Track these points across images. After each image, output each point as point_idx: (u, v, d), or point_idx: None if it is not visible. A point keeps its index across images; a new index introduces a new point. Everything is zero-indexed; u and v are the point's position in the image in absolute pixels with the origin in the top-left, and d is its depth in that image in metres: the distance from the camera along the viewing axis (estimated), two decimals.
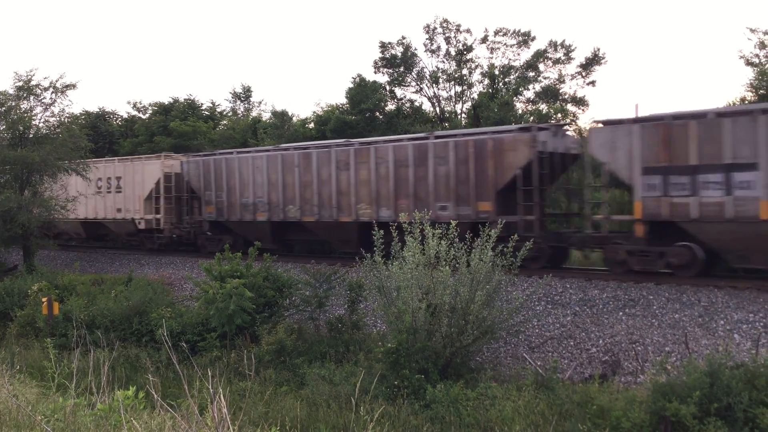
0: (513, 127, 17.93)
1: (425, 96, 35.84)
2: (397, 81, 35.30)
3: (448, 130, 19.88)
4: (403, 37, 35.83)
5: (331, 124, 32.06)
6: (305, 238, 24.08)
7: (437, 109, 35.59)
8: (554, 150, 17.78)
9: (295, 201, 21.94)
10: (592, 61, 33.59)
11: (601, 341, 14.19)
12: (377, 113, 33.60)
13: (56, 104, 24.92)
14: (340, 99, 47.82)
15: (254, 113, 46.44)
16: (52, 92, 24.60)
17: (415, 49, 34.98)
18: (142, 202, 26.68)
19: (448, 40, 34.81)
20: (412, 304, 12.43)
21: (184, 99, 42.11)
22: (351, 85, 34.06)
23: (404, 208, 18.88)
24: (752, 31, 24.82)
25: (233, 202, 23.92)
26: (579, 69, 33.89)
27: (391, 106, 34.78)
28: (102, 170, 28.17)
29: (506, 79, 34.16)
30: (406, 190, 19.43)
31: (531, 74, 34.17)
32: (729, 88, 44.57)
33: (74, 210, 26.73)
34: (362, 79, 33.96)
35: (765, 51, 24.64)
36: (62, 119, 25.58)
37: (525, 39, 34.41)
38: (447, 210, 18.52)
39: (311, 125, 36.20)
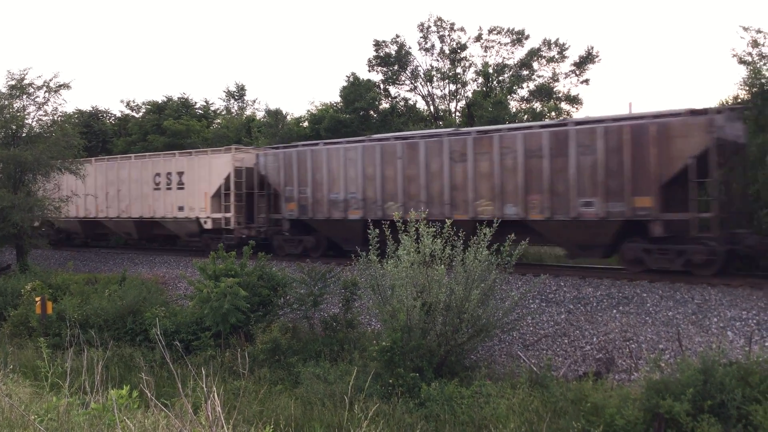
0: (680, 109, 15.85)
1: (419, 94, 35.88)
2: (392, 79, 35.31)
3: (589, 116, 17.62)
4: (397, 36, 35.95)
5: (325, 123, 32.04)
6: None
7: (431, 107, 35.60)
8: (728, 137, 15.82)
9: (396, 197, 19.71)
10: (586, 60, 33.67)
11: (595, 339, 14.23)
12: (371, 112, 33.59)
13: (49, 103, 24.85)
14: (334, 98, 47.83)
15: (248, 112, 46.34)
16: (46, 91, 24.52)
17: (409, 48, 35.01)
18: (208, 199, 24.30)
19: (442, 38, 34.84)
20: (407, 303, 12.43)
21: (178, 98, 42.01)
22: (345, 84, 34.06)
23: (536, 205, 17.25)
24: (745, 29, 24.83)
25: (319, 198, 21.71)
26: (573, 67, 33.97)
27: (385, 105, 34.78)
28: (161, 165, 26.00)
29: (500, 78, 34.18)
30: (539, 184, 17.26)
31: (525, 73, 34.21)
32: (722, 87, 44.75)
33: (127, 209, 26.29)
34: (356, 78, 33.95)
35: (758, 49, 24.67)
36: (55, 118, 25.50)
37: (519, 37, 34.45)
38: (593, 206, 16.53)
39: (305, 124, 36.17)
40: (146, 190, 26.24)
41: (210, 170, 24.48)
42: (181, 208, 25.25)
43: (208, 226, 24.44)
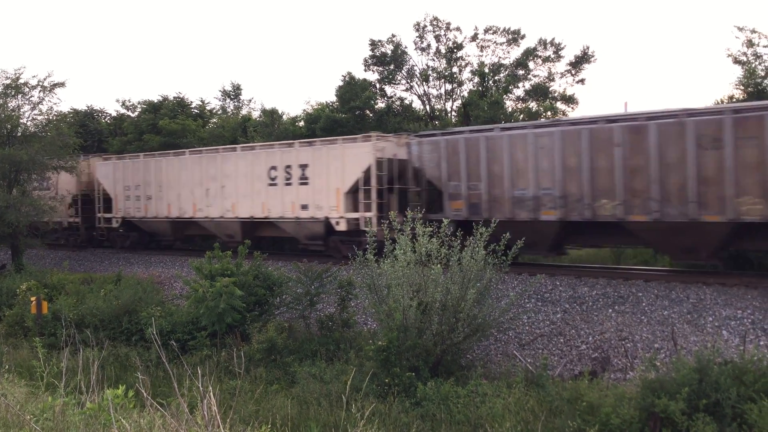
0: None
1: (415, 94, 35.81)
2: (387, 79, 35.24)
3: None
4: (393, 35, 35.79)
5: (321, 123, 31.99)
6: (620, 244, 19.05)
7: (427, 107, 35.57)
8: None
9: (613, 193, 16.26)
10: (582, 60, 33.66)
11: (590, 338, 14.25)
12: (367, 111, 33.55)
13: (44, 102, 24.81)
14: (329, 97, 47.79)
15: (244, 111, 46.24)
16: (40, 91, 24.48)
17: (405, 47, 34.93)
18: (341, 196, 20.61)
19: (438, 38, 34.79)
20: (403, 302, 12.44)
21: (174, 97, 41.88)
22: (341, 83, 34.01)
23: None
24: (740, 29, 24.94)
25: (498, 195, 18.16)
26: (568, 67, 33.96)
27: (381, 104, 34.73)
28: (278, 157, 22.41)
29: (496, 77, 34.18)
30: None
31: (521, 72, 34.21)
32: (717, 86, 44.86)
33: (233, 208, 23.30)
34: (352, 77, 33.90)
35: (752, 49, 24.76)
36: (50, 117, 25.45)
37: (515, 37, 34.43)
38: None
39: (301, 123, 36.11)
40: (258, 186, 22.70)
41: (344, 162, 20.64)
42: (304, 207, 21.57)
43: (341, 227, 20.72)
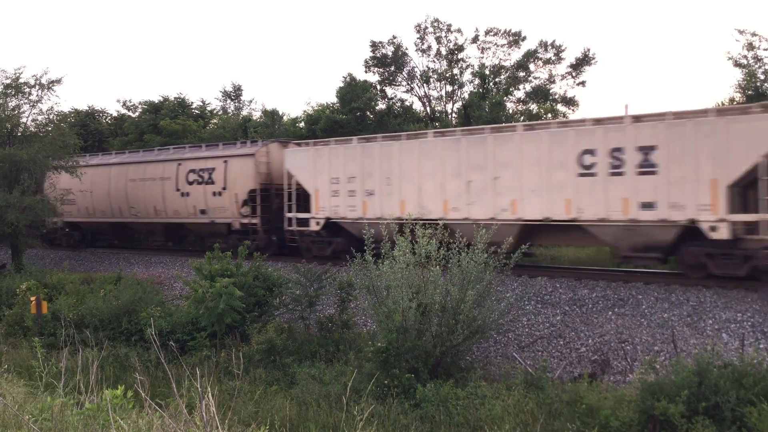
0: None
1: (416, 95, 35.89)
2: (388, 80, 35.31)
3: None
4: (394, 37, 35.90)
5: (321, 124, 32.05)
6: None
7: (428, 108, 35.61)
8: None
9: None
10: (582, 62, 33.71)
11: (590, 340, 14.25)
12: (368, 112, 33.60)
13: (44, 101, 24.84)
14: (330, 98, 47.82)
15: (244, 112, 46.30)
16: (38, 89, 24.49)
17: (406, 49, 35.01)
18: (722, 190, 14.78)
19: (438, 39, 34.85)
20: (403, 304, 12.43)
21: (174, 97, 41.96)
22: (341, 85, 34.06)
23: None
24: (740, 32, 24.97)
25: None
26: (569, 69, 34.01)
27: (381, 106, 34.77)
28: (596, 137, 16.50)
29: (497, 79, 34.22)
30: None
31: (521, 74, 34.25)
32: (717, 89, 44.88)
33: (511, 206, 17.65)
34: (353, 79, 33.96)
35: (753, 52, 24.79)
36: (51, 117, 25.47)
37: (515, 39, 34.49)
38: None
39: (302, 124, 36.15)
40: (561, 176, 16.99)
41: (728, 143, 14.74)
42: (647, 206, 15.78)
43: (721, 234, 14.85)
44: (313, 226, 21.54)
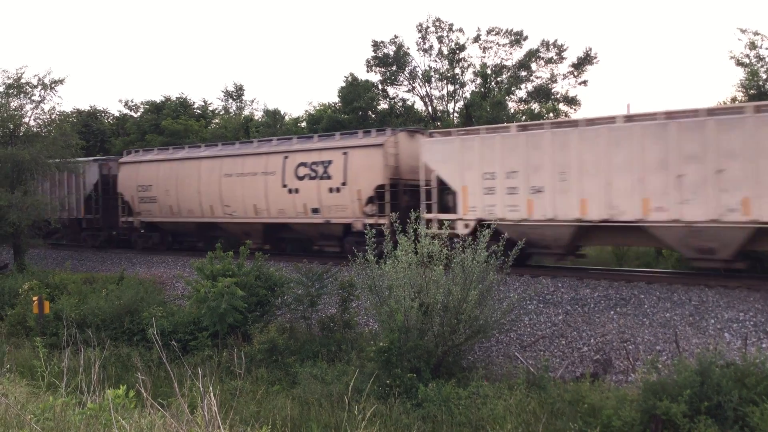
0: None
1: (417, 95, 35.88)
2: (390, 80, 35.29)
3: None
4: (396, 36, 35.93)
5: (323, 123, 32.05)
6: None
7: (429, 108, 35.59)
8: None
9: None
10: (584, 61, 33.68)
11: (592, 340, 14.23)
12: (369, 112, 33.59)
13: (46, 101, 24.85)
14: (332, 98, 47.85)
15: (246, 112, 46.34)
16: (41, 89, 24.51)
17: (408, 48, 35.00)
18: None
19: (440, 39, 34.83)
20: (405, 303, 12.43)
21: (176, 98, 41.98)
22: (343, 84, 34.06)
23: None
24: (742, 31, 24.93)
25: None
26: (571, 68, 33.98)
27: (383, 105, 34.78)
28: None
29: (498, 79, 34.20)
30: None
31: (523, 74, 34.22)
32: (719, 88, 44.84)
33: (742, 206, 14.30)
34: (354, 78, 33.96)
35: (755, 51, 24.74)
36: (53, 117, 25.49)
37: (517, 38, 34.46)
38: None
39: (303, 124, 36.16)
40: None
41: None
42: None
43: None
44: (461, 229, 18.20)
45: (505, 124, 18.70)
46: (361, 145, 21.02)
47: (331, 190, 21.34)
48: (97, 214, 29.40)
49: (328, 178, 21.33)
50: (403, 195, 20.60)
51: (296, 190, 22.14)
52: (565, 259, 18.02)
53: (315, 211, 21.77)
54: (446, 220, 17.40)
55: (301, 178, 22.06)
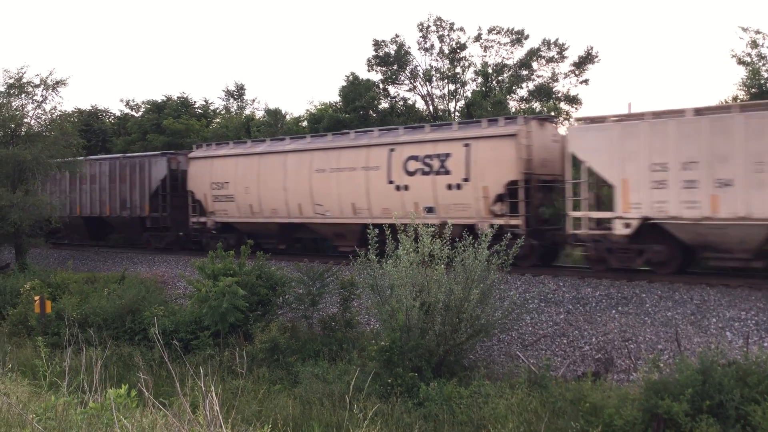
0: None
1: (418, 94, 35.83)
2: (391, 79, 35.26)
3: None
4: (397, 35, 35.83)
5: (324, 122, 32.02)
6: None
7: (430, 107, 35.57)
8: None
9: None
10: (586, 60, 33.63)
11: (594, 339, 14.23)
12: (370, 111, 33.57)
13: (48, 101, 24.86)
14: (333, 97, 47.83)
15: (247, 111, 46.33)
16: (43, 89, 24.52)
17: (409, 48, 34.96)
18: None
19: (441, 38, 34.79)
20: (406, 303, 12.43)
21: (177, 97, 41.97)
22: (344, 83, 34.05)
23: None
24: (744, 30, 24.91)
25: None
26: (572, 67, 33.94)
27: (384, 104, 34.76)
28: None
29: (499, 78, 34.17)
30: None
31: (524, 73, 34.19)
32: (721, 87, 44.80)
33: None
34: (355, 77, 33.93)
35: (756, 50, 24.73)
36: (54, 117, 25.50)
37: (518, 37, 34.41)
38: None
39: (304, 123, 36.16)
40: None
41: None
42: None
43: None
44: (619, 230, 16.08)
45: (677, 108, 16.11)
46: (487, 135, 18.57)
47: (449, 186, 18.74)
48: (164, 212, 26.44)
49: (446, 173, 18.76)
50: (537, 192, 18.28)
51: (405, 187, 19.61)
52: (751, 265, 15.24)
53: (429, 210, 19.16)
54: (602, 218, 16.06)
55: (411, 174, 19.53)
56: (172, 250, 26.81)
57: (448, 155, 18.81)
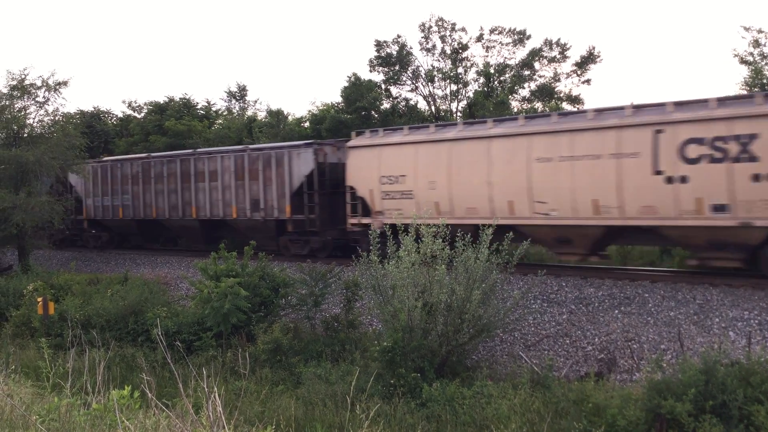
0: None
1: (420, 95, 35.84)
2: (393, 80, 35.26)
3: None
4: (399, 36, 35.88)
5: (326, 123, 32.03)
6: None
7: (432, 108, 35.56)
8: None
9: None
10: (588, 60, 33.64)
11: (596, 339, 14.22)
12: (372, 112, 33.57)
13: (50, 103, 24.89)
14: (335, 98, 47.85)
15: (249, 112, 46.39)
16: (45, 90, 24.56)
17: (411, 48, 34.97)
18: None
19: (443, 38, 34.80)
20: (408, 303, 12.43)
21: (180, 98, 42.03)
22: (346, 84, 34.05)
23: None
24: (746, 29, 24.91)
25: None
26: (574, 67, 33.94)
27: (386, 105, 34.76)
28: None
29: (502, 78, 34.17)
30: None
31: (526, 73, 34.19)
32: (723, 86, 44.75)
33: None
34: (357, 78, 33.93)
35: (759, 49, 24.72)
36: (57, 118, 25.54)
37: (520, 37, 34.41)
38: None
39: (306, 124, 36.17)
40: None
41: None
42: None
43: None
44: None
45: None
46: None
47: (756, 178, 14.57)
48: (311, 213, 22.03)
49: (751, 160, 14.59)
50: None
51: (683, 179, 15.47)
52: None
53: (719, 208, 15.09)
54: None
55: (692, 162, 15.39)
56: (178, 251, 26.82)
57: (754, 136, 14.60)
